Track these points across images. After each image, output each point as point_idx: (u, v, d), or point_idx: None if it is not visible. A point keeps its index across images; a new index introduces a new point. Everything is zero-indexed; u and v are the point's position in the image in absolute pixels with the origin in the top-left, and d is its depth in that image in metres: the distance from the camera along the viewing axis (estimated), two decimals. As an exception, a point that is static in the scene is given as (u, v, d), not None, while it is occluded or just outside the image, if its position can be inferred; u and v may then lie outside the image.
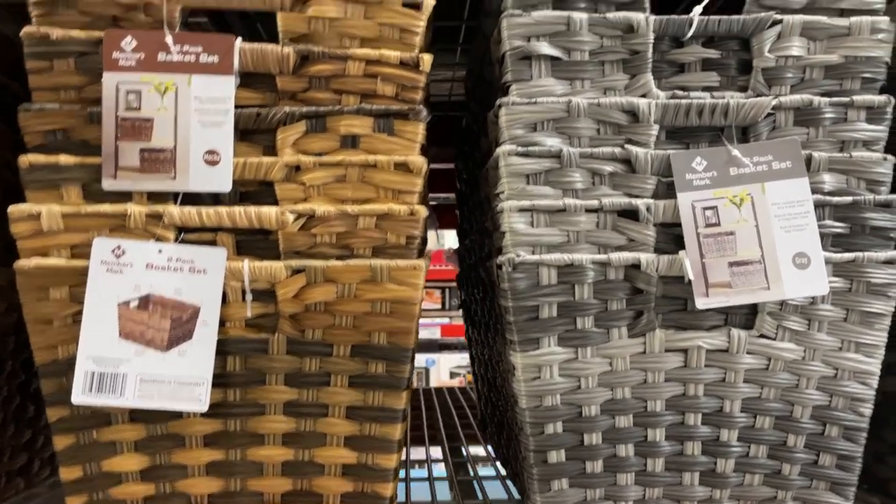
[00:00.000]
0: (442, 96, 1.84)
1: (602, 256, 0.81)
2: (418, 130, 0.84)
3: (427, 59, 0.84)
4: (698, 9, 0.83)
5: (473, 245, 1.20)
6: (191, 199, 0.83)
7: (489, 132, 0.90)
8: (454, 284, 1.63)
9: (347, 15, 0.83)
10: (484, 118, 1.04)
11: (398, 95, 0.84)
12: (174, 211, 0.81)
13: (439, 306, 5.47)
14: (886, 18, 0.84)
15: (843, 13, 0.85)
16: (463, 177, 1.43)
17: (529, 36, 0.82)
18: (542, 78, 0.83)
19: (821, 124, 0.83)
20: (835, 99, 0.83)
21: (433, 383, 5.24)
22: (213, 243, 0.83)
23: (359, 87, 0.84)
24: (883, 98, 0.83)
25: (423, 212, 0.83)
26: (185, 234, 0.82)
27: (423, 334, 4.89)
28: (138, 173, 0.81)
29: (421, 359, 5.08)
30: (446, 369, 5.33)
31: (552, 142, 0.82)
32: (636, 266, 0.81)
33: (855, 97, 0.83)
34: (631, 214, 0.82)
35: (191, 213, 0.81)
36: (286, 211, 0.81)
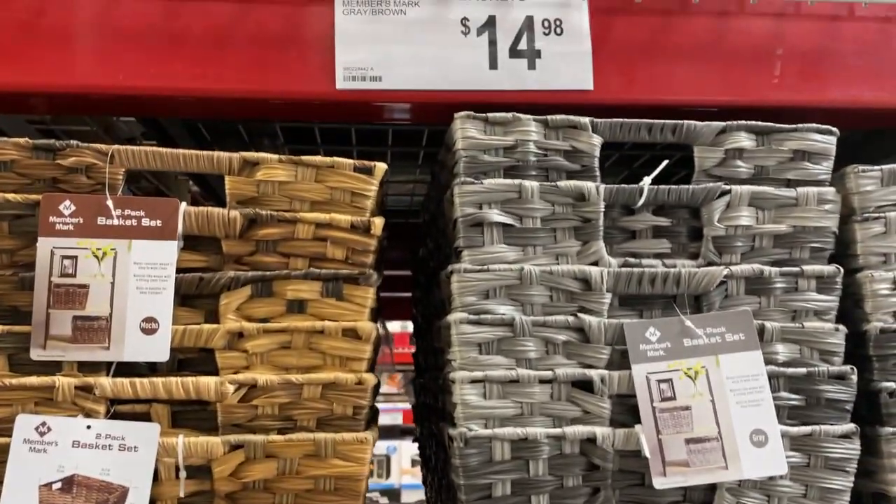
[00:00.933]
0: (402, 206, 1.83)
1: (557, 430, 0.78)
2: (368, 295, 0.82)
3: (378, 223, 0.82)
4: (648, 179, 0.83)
5: (428, 386, 1.17)
6: (125, 365, 0.78)
7: (442, 288, 0.88)
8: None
9: (298, 178, 0.82)
10: (438, 265, 1.03)
11: (348, 259, 0.82)
12: (106, 383, 0.76)
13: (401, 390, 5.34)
14: (832, 189, 0.85)
15: (790, 184, 0.86)
16: (419, 307, 1.41)
17: (481, 203, 0.81)
18: (493, 244, 0.82)
19: (772, 293, 0.83)
20: (785, 269, 0.83)
21: (394, 472, 5.07)
22: (146, 414, 0.78)
23: (307, 250, 0.82)
24: (832, 268, 0.84)
25: (371, 380, 0.80)
26: (117, 405, 0.77)
27: (384, 420, 4.76)
28: (70, 343, 0.76)
29: (382, 446, 4.91)
30: (408, 457, 5.16)
31: (504, 309, 0.81)
32: (592, 440, 0.78)
33: (805, 267, 0.84)
34: (585, 385, 0.80)
35: (124, 385, 0.77)
36: (226, 381, 0.77)
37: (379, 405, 0.82)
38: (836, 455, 0.80)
